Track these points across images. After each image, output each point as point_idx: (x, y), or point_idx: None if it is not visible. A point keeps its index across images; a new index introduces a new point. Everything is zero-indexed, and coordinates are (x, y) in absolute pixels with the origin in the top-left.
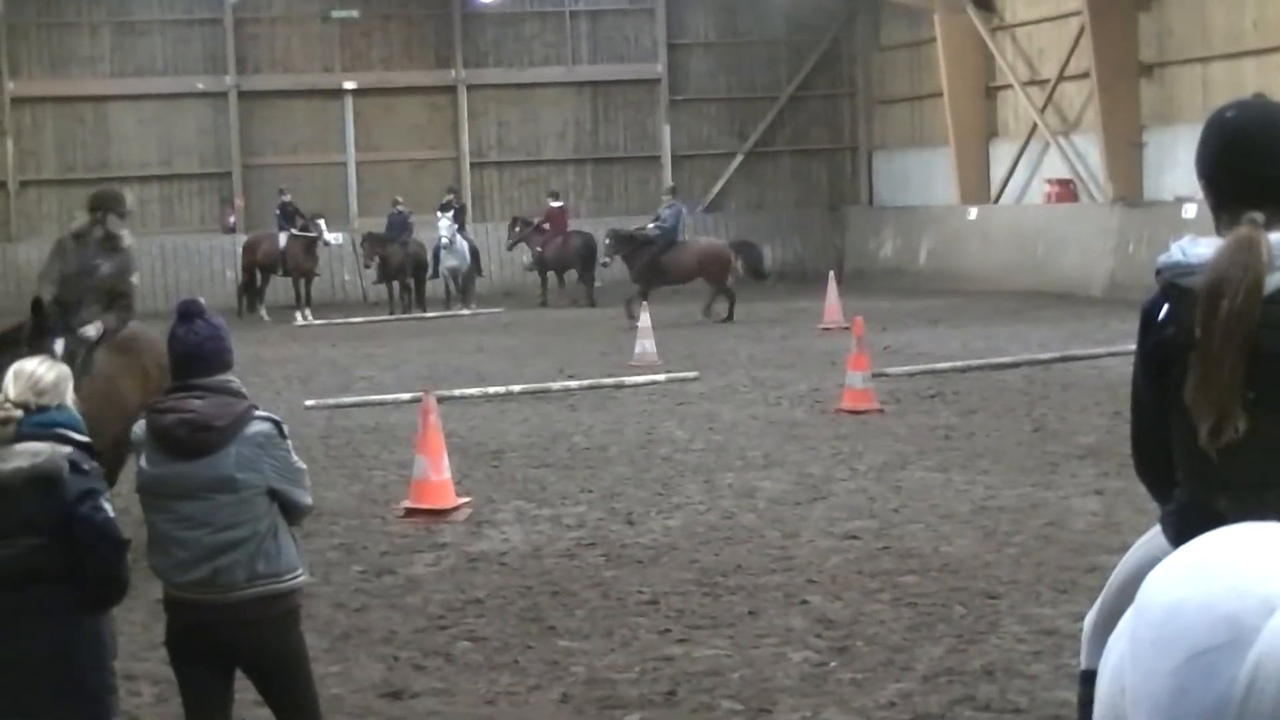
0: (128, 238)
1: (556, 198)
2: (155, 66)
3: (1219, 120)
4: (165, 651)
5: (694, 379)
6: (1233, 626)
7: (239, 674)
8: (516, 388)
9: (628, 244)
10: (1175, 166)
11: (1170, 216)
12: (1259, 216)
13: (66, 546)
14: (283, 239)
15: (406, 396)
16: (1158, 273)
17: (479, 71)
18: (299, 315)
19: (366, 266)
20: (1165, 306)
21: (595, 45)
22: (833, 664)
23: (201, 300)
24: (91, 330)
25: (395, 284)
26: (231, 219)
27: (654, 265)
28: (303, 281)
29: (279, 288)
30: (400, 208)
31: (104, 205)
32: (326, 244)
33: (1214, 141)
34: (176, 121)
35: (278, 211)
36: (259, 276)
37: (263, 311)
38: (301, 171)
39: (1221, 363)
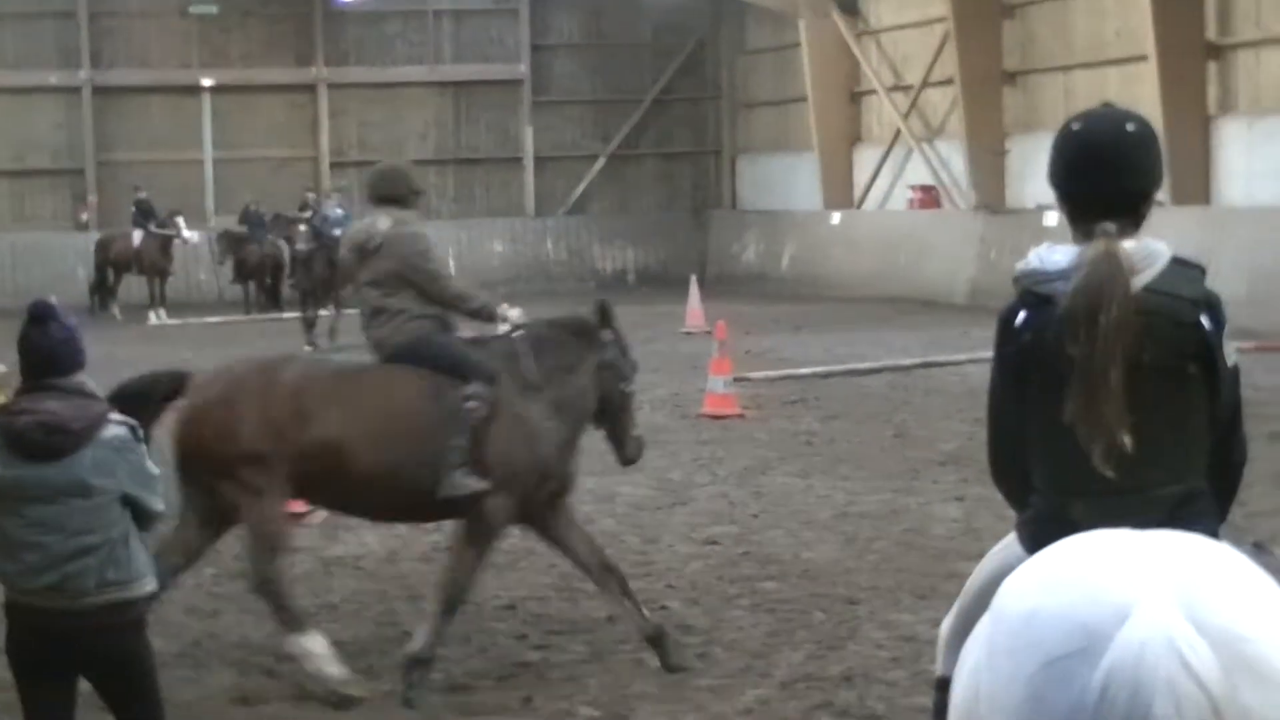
0: None
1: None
2: (6, 59)
3: (1067, 133)
4: (5, 659)
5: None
6: (1087, 634)
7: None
8: None
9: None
10: (1037, 174)
11: (1032, 224)
12: (1111, 227)
13: None
14: (137, 237)
15: None
16: (1016, 280)
17: (340, 70)
18: (152, 315)
19: (221, 264)
20: (1023, 313)
21: (458, 45)
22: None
23: (53, 301)
24: None
25: (251, 284)
26: (84, 216)
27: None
28: (157, 280)
29: (132, 286)
30: (255, 206)
31: None
32: (185, 242)
33: (1064, 154)
34: (28, 116)
35: (133, 209)
36: (112, 275)
37: (115, 310)
38: (158, 169)
39: (1106, 379)
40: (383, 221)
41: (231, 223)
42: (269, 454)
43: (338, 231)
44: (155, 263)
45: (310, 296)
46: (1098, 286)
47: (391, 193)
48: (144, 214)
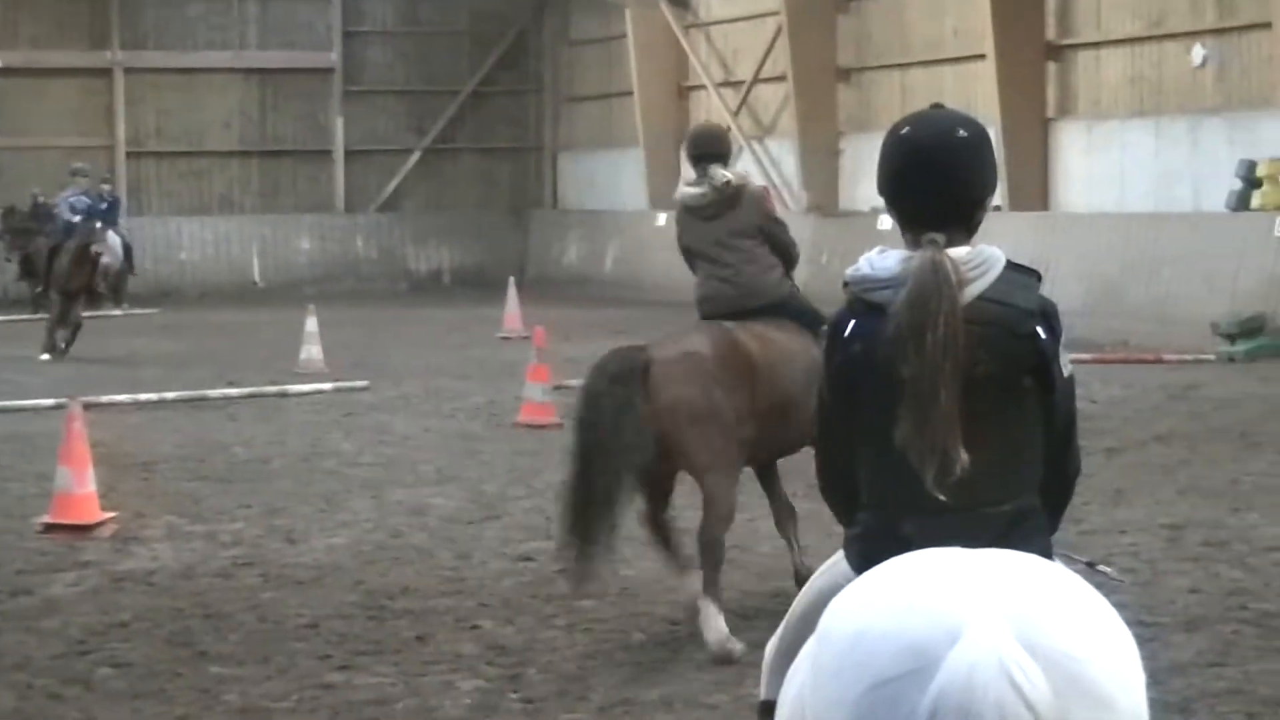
0: None
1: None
2: None
3: (895, 137)
4: None
5: (364, 388)
6: (916, 655)
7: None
8: (171, 395)
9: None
10: (872, 175)
11: (865, 228)
12: (939, 237)
13: None
14: None
15: (49, 403)
16: (845, 285)
17: (138, 54)
18: None
19: (8, 260)
20: (852, 322)
21: (265, 30)
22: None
23: None
24: None
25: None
26: None
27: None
28: None
29: None
30: (42, 198)
31: None
32: None
33: (891, 160)
34: None
35: None
36: None
37: None
38: None
39: (936, 398)
40: (718, 176)
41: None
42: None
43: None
44: None
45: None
46: (923, 301)
47: (718, 150)
48: None
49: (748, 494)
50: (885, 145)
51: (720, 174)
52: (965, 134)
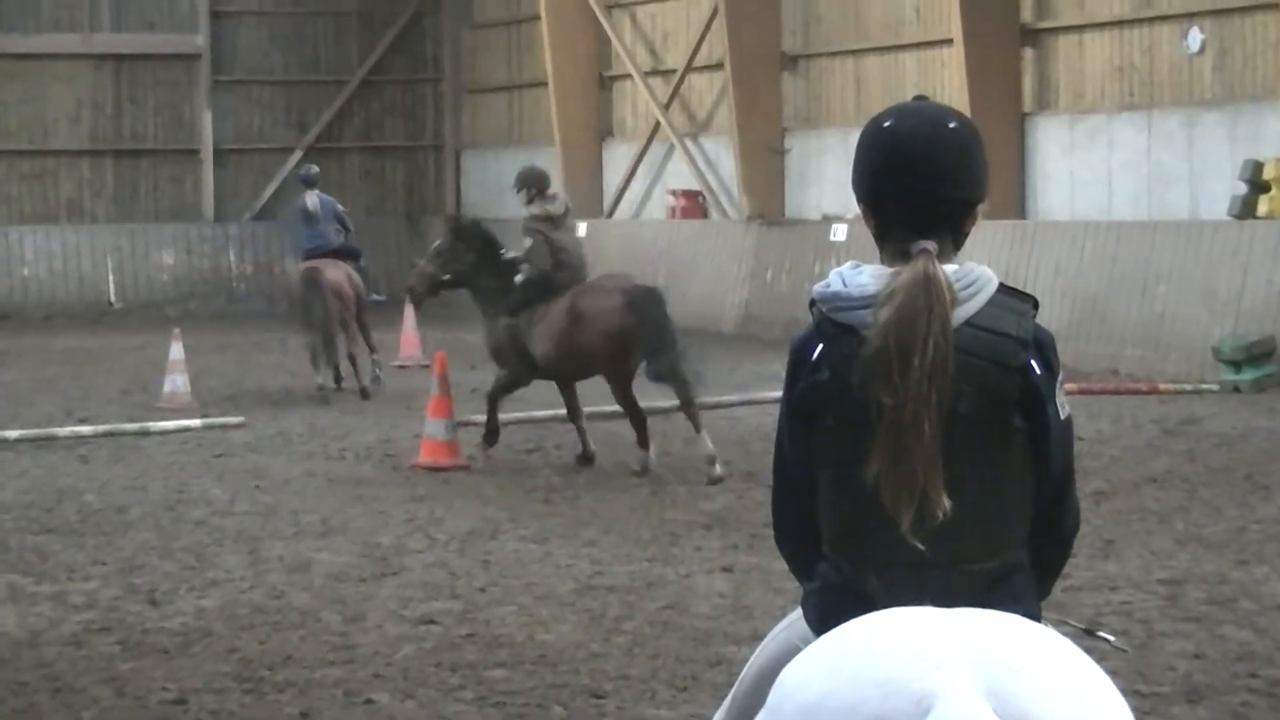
0: None
1: None
2: None
3: (876, 131)
4: None
5: (238, 425)
6: None
7: None
8: (11, 433)
9: None
10: (822, 179)
11: (816, 238)
12: (932, 246)
13: None
14: None
15: None
16: (812, 304)
17: None
18: None
19: None
20: (819, 346)
21: (119, 10)
22: None
23: None
24: None
25: None
26: None
27: None
28: None
29: None
30: None
31: None
32: None
33: (872, 157)
34: None
35: None
36: None
37: None
38: None
39: (919, 431)
40: (561, 198)
41: None
42: None
43: None
44: None
45: None
46: (911, 321)
47: (548, 182)
48: None
49: (680, 545)
50: (864, 138)
51: (562, 197)
52: (956, 126)
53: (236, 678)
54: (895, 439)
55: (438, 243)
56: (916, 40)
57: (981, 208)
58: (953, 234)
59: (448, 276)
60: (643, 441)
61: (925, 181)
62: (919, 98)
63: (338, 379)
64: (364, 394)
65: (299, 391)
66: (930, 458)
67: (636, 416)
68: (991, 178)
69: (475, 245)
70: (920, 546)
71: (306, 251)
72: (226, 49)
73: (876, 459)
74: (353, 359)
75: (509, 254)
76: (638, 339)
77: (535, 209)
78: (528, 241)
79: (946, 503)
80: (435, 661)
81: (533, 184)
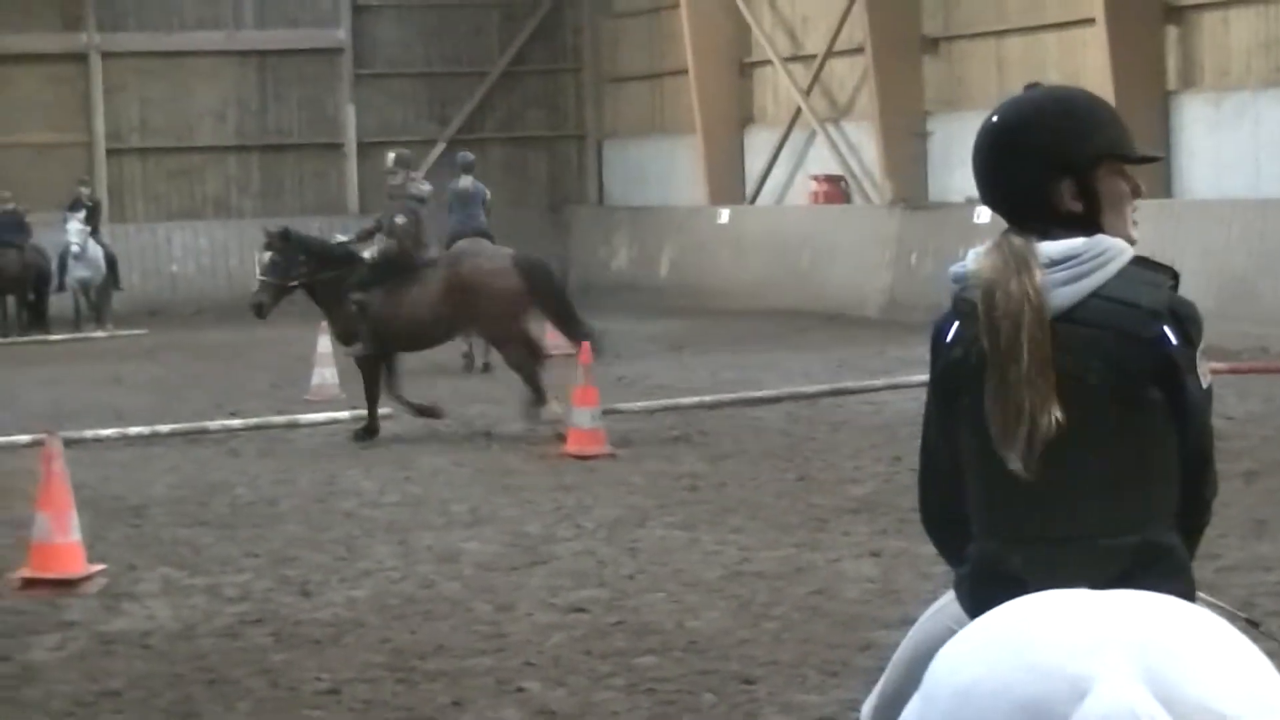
0: None
1: None
2: None
3: (984, 125)
4: None
5: (385, 416)
6: (1034, 713)
7: None
8: (164, 428)
9: None
10: (965, 162)
11: (959, 221)
12: (1015, 236)
13: None
14: None
15: (24, 439)
16: (951, 284)
17: (116, 36)
18: None
19: None
20: (955, 325)
21: (262, 6)
22: None
23: None
24: None
25: (10, 299)
26: None
27: None
28: None
29: None
30: (11, 205)
31: None
32: None
33: (977, 151)
34: None
35: None
36: None
37: None
38: None
39: (1017, 356)
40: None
41: None
42: None
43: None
44: None
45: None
46: (992, 274)
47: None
48: None
49: (827, 530)
50: (977, 135)
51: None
52: (996, 120)
53: (389, 667)
54: (996, 368)
55: (266, 257)
56: (1058, 20)
57: (1066, 184)
58: (1046, 216)
59: (293, 284)
60: (541, 398)
61: (977, 178)
62: (1030, 85)
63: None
64: (486, 368)
65: (443, 382)
66: (1031, 380)
67: (531, 374)
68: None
69: (301, 250)
70: (1028, 476)
71: (455, 233)
72: (368, 43)
73: (985, 396)
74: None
75: (342, 240)
76: (530, 298)
77: (414, 189)
78: (400, 219)
79: (1057, 417)
80: (585, 649)
81: (410, 165)
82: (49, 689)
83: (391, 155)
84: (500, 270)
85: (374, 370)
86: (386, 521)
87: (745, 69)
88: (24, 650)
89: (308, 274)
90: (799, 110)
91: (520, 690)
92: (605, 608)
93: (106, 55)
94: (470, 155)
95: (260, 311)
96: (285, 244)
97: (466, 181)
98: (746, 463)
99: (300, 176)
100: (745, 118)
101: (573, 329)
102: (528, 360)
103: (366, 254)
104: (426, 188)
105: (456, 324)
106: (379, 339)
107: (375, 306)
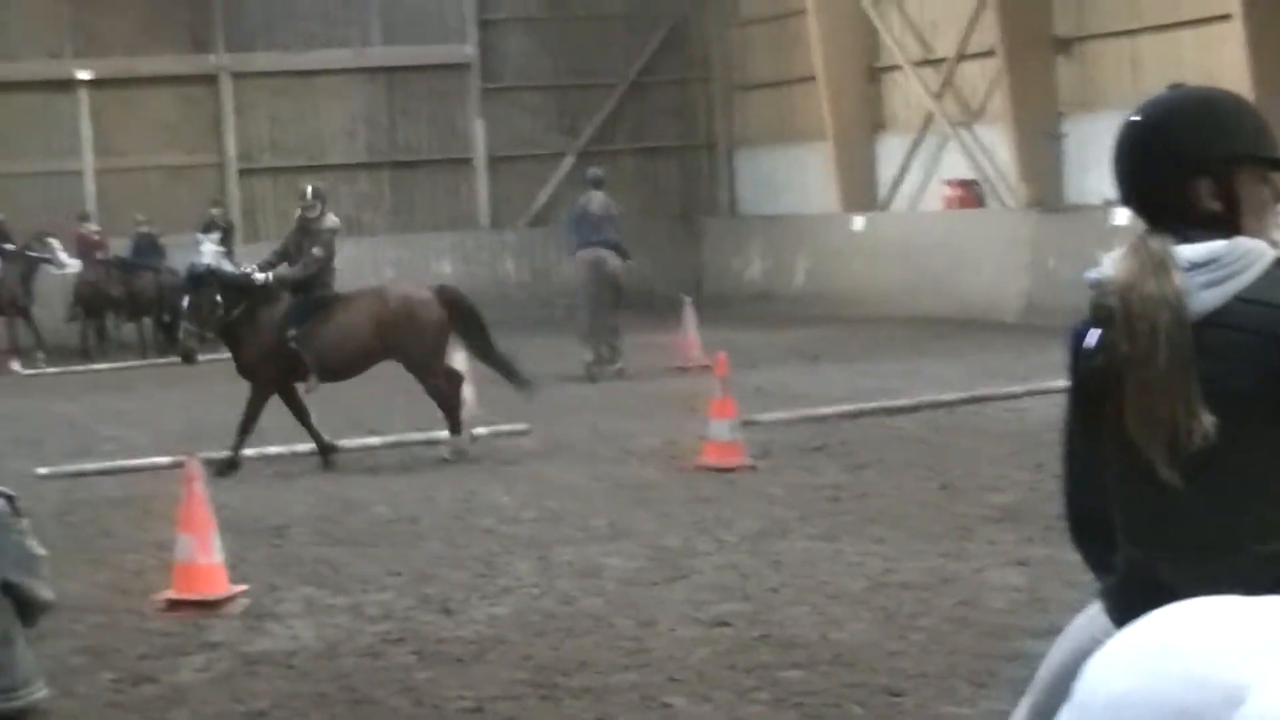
0: None
1: (86, 219)
2: None
3: (1124, 125)
4: None
5: (522, 432)
6: None
7: None
8: (302, 447)
9: None
10: (1101, 163)
11: (1097, 224)
12: (1153, 237)
13: None
14: None
15: (164, 461)
16: (1090, 289)
17: (245, 56)
18: (15, 363)
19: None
20: (1095, 331)
21: (390, 23)
22: None
23: None
24: None
25: (146, 321)
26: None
27: None
28: (19, 321)
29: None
30: (146, 227)
31: None
32: (62, 269)
33: (1117, 151)
34: None
35: None
36: None
37: None
38: (21, 183)
39: (1153, 359)
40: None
41: (122, 247)
42: None
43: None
44: (14, 298)
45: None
46: (1127, 289)
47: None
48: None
49: (972, 540)
50: (1117, 134)
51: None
52: (1135, 119)
53: (532, 684)
54: (1134, 372)
55: (186, 301)
56: (1194, 17)
57: (1205, 184)
58: (1179, 217)
59: (216, 322)
60: (456, 429)
61: (1117, 178)
62: (1174, 86)
63: (600, 360)
64: (620, 373)
65: (579, 397)
66: (1171, 382)
67: (450, 404)
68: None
69: (215, 289)
70: (1178, 484)
71: (584, 247)
72: (496, 57)
73: (1127, 405)
74: (610, 345)
75: (252, 272)
76: (451, 329)
77: (329, 222)
78: (318, 251)
79: (1207, 423)
80: (730, 664)
81: (325, 199)
82: (195, 710)
83: (309, 188)
84: (427, 301)
85: (264, 406)
86: (526, 537)
87: (875, 74)
88: (170, 672)
89: (225, 310)
90: (930, 114)
91: (665, 706)
92: (749, 621)
93: (236, 76)
94: (600, 171)
95: (190, 358)
96: (200, 286)
97: (597, 197)
98: (887, 472)
99: (431, 193)
100: (876, 123)
101: (491, 359)
102: (448, 391)
103: (259, 277)
104: (336, 221)
105: (382, 354)
106: (279, 380)
107: (314, 341)
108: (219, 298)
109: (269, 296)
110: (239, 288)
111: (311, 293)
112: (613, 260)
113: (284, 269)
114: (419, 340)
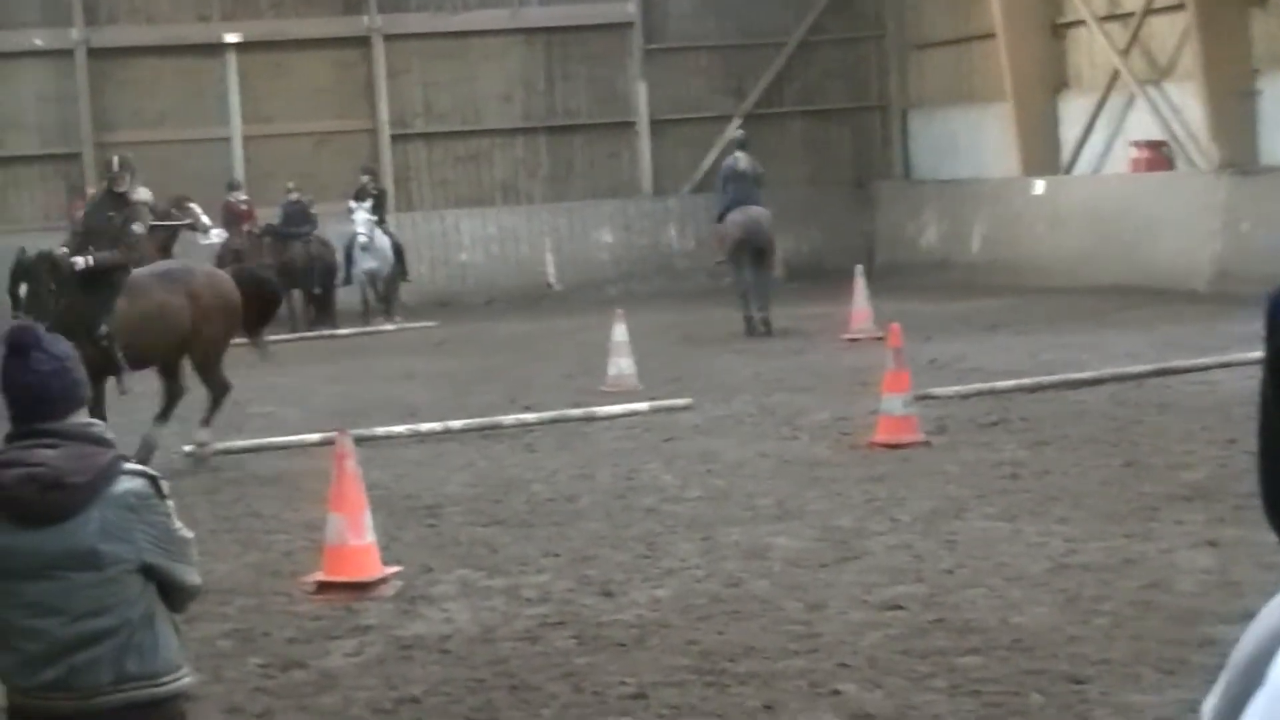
0: None
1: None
2: None
3: None
4: None
5: (685, 408)
6: None
7: None
8: (457, 424)
9: None
10: None
11: None
12: None
13: None
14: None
15: (315, 438)
16: None
17: (398, 18)
18: None
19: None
20: None
21: None
22: None
23: (36, 326)
24: None
25: (297, 293)
26: (80, 214)
27: None
28: None
29: None
30: (296, 195)
31: None
32: (206, 235)
33: None
34: (8, 88)
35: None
36: None
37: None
38: (171, 150)
39: None
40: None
41: (271, 216)
42: None
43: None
44: None
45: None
46: None
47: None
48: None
49: (1158, 519)
50: None
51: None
52: None
53: (696, 670)
54: None
55: (24, 291)
56: None
57: None
58: None
59: (54, 313)
60: (209, 421)
61: None
62: None
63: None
64: (766, 325)
65: (746, 371)
66: None
67: (221, 400)
68: None
69: (50, 277)
70: None
71: (733, 209)
72: (658, 16)
73: None
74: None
75: (76, 261)
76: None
77: (141, 195)
78: (138, 227)
79: None
80: (903, 649)
81: (135, 170)
82: (347, 695)
83: (116, 158)
84: (231, 289)
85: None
86: (689, 517)
87: (1058, 30)
88: (321, 656)
89: (63, 299)
90: (1116, 72)
91: (835, 693)
92: (923, 605)
93: (389, 38)
94: (744, 133)
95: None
96: (31, 275)
97: (744, 159)
98: (1069, 448)
99: (590, 158)
100: (1059, 82)
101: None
102: (224, 383)
103: (78, 261)
104: (148, 193)
105: (181, 340)
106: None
107: (121, 331)
108: (53, 286)
109: (91, 283)
110: (73, 275)
111: (114, 278)
112: (766, 220)
113: (108, 254)
114: (219, 327)
